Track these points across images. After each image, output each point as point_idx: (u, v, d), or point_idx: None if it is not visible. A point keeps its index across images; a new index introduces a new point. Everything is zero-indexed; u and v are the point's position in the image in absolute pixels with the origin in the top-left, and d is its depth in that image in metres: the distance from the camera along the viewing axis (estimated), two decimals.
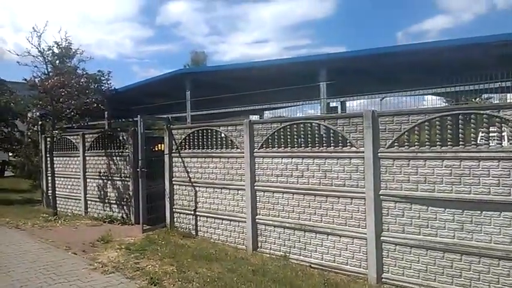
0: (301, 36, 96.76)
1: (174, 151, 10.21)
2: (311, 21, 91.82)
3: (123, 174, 12.09)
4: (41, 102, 13.20)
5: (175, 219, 10.22)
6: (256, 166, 8.36)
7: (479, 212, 5.66)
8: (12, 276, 6.92)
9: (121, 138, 12.15)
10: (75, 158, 13.83)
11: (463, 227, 5.78)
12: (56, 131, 12.87)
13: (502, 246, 5.47)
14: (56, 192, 13.50)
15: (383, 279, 6.49)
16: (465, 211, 5.76)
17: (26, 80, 12.81)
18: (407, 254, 6.28)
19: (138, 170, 10.17)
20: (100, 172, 12.86)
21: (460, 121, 5.88)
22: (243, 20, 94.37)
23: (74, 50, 13.35)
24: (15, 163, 24.78)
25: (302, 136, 7.67)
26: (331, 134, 7.22)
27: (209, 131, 9.41)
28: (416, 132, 6.26)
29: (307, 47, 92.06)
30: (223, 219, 9.06)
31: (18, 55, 12.46)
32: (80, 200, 13.67)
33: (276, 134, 8.05)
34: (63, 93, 12.15)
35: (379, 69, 10.80)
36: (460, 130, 5.86)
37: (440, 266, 5.97)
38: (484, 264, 5.60)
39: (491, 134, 5.74)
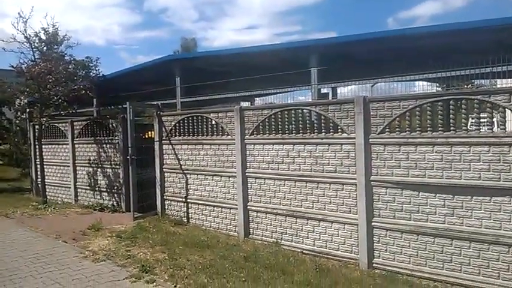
0: (291, 22, 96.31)
1: (164, 138, 10.13)
2: (301, 7, 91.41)
3: (113, 162, 12.00)
4: (28, 90, 12.97)
5: (166, 207, 10.19)
6: (248, 153, 8.32)
7: (469, 197, 5.69)
8: (1, 266, 6.85)
9: (110, 125, 12.03)
10: (64, 146, 13.70)
11: (453, 212, 5.82)
12: (44, 119, 12.70)
13: (492, 231, 5.52)
14: (46, 180, 13.39)
15: (374, 265, 6.54)
16: (456, 196, 5.79)
17: (12, 66, 12.56)
18: (398, 239, 6.32)
19: (128, 157, 10.09)
20: (90, 160, 12.76)
21: (451, 106, 5.88)
22: (232, 5, 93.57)
23: (61, 37, 13.10)
24: (3, 151, 24.50)
25: (293, 122, 7.63)
26: (323, 120, 7.19)
27: (199, 117, 9.33)
28: (407, 117, 6.25)
29: (298, 33, 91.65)
30: (214, 206, 9.04)
31: (3, 41, 12.23)
32: (69, 188, 13.56)
33: (267, 120, 8.01)
34: (50, 80, 11.95)
35: (370, 55, 10.72)
36: (451, 116, 5.88)
37: (431, 251, 6.02)
38: (474, 249, 5.66)
39: (482, 120, 5.75)
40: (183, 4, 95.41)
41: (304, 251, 7.36)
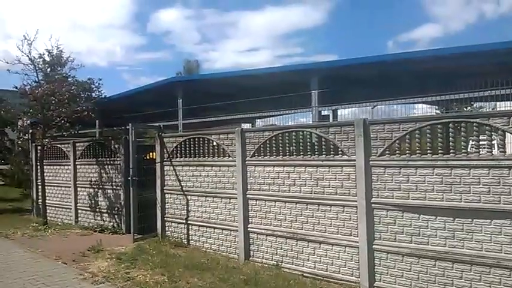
0: (293, 45, 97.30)
1: (165, 159, 10.16)
2: (303, 30, 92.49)
3: (114, 183, 12.00)
4: (31, 111, 13.09)
5: (166, 228, 10.15)
6: (248, 174, 8.33)
7: (470, 220, 5.67)
8: (1, 287, 6.82)
9: (112, 146, 12.08)
10: (66, 167, 13.73)
11: (454, 235, 5.79)
12: (46, 140, 12.76)
13: (493, 254, 5.48)
14: (46, 201, 13.38)
15: None
16: (456, 219, 5.78)
17: (16, 88, 12.71)
18: (399, 262, 6.27)
19: (129, 178, 10.10)
20: (91, 181, 12.77)
21: (450, 129, 5.91)
22: (234, 28, 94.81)
23: (65, 58, 13.30)
24: (5, 172, 24.54)
25: (294, 144, 7.68)
26: (323, 142, 7.22)
27: (201, 139, 9.38)
28: (407, 140, 6.28)
29: (299, 55, 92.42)
30: (215, 228, 9.00)
31: (7, 63, 12.40)
32: (70, 209, 13.54)
33: (267, 142, 8.05)
34: (53, 101, 12.07)
35: (370, 78, 10.85)
36: (451, 138, 5.89)
37: (432, 274, 5.97)
38: (475, 272, 5.61)
39: (481, 142, 5.78)
40: (186, 26, 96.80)
41: (304, 274, 7.29)
